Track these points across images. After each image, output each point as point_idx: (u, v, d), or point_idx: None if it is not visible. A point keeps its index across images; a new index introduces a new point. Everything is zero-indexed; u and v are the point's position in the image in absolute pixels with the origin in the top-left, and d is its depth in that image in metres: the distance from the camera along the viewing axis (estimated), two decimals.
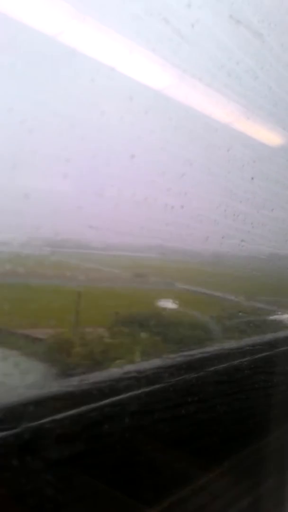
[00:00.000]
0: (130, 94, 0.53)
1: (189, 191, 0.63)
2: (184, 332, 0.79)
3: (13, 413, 0.42)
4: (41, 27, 0.50)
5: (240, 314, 0.92)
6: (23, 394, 0.46)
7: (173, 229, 0.66)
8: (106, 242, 0.57)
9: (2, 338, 0.53)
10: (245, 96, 0.79)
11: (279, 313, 1.02)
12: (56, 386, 0.51)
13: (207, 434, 0.67)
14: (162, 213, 0.61)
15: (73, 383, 0.51)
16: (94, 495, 0.48)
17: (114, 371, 0.56)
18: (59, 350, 0.59)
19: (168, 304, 0.71)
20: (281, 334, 0.93)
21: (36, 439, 0.42)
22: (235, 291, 0.89)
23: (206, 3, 0.71)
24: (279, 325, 0.99)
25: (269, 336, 0.90)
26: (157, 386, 0.57)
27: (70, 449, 0.45)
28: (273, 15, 0.90)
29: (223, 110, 0.74)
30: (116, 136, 0.53)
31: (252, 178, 0.80)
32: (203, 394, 0.64)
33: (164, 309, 0.70)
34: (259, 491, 0.81)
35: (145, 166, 0.57)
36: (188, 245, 0.70)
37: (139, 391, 0.54)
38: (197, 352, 0.69)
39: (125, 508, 0.53)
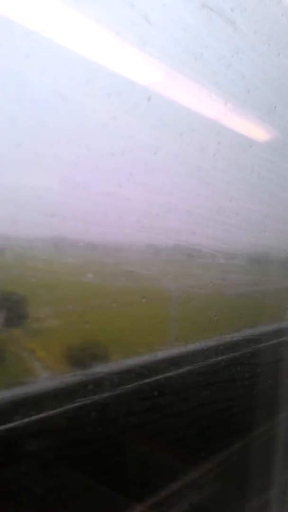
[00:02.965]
0: (91, 78, 0.51)
1: (158, 181, 0.61)
2: None
3: None
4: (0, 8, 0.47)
5: None
6: None
7: (145, 220, 0.64)
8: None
9: None
10: (217, 84, 0.77)
11: None
12: None
13: None
14: (131, 204, 0.59)
15: None
16: None
17: None
18: None
19: None
20: None
21: None
22: None
23: None
24: None
25: None
26: None
27: None
28: (246, 1, 0.88)
29: (194, 98, 0.72)
30: (77, 122, 0.51)
31: (226, 168, 0.78)
32: None
33: None
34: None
35: (111, 154, 0.55)
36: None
37: None
38: None
39: None
